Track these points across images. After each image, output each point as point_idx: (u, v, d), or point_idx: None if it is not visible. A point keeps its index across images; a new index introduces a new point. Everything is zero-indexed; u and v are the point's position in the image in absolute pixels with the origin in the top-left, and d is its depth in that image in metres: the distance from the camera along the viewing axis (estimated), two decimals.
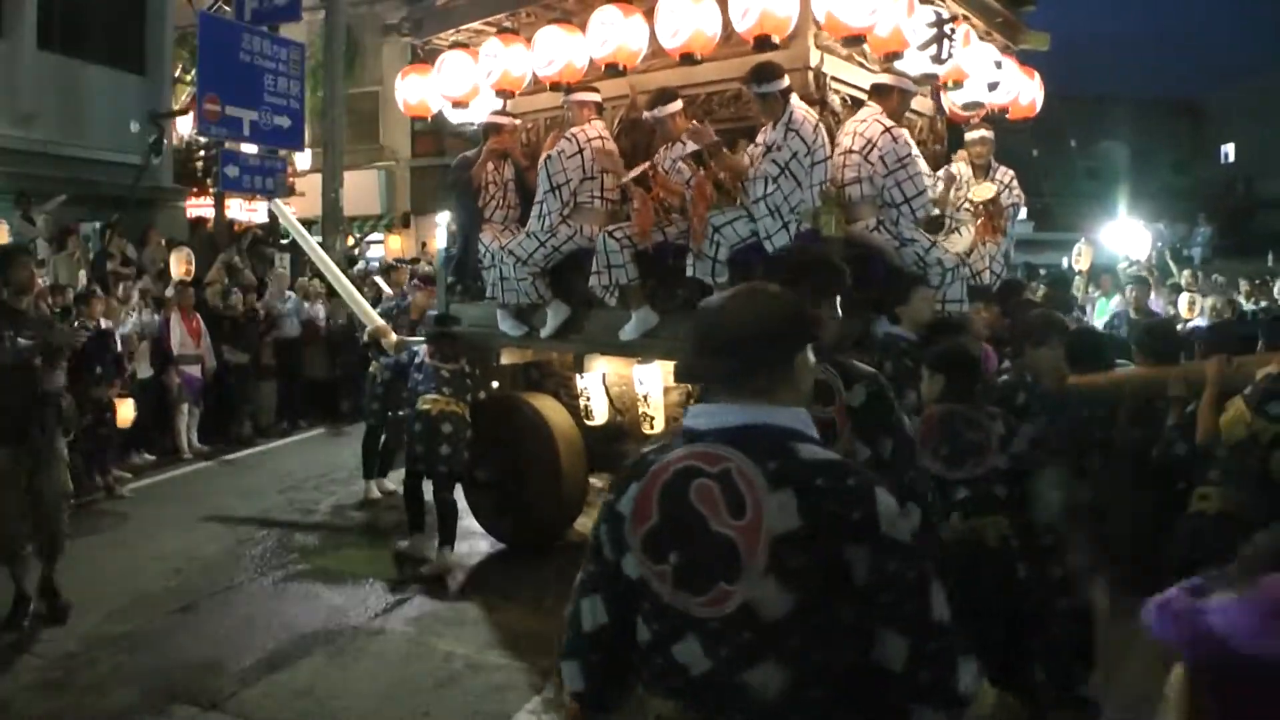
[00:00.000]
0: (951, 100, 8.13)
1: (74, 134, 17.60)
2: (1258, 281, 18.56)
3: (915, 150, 6.80)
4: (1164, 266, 17.27)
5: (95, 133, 18.01)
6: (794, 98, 6.58)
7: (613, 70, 7.26)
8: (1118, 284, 15.31)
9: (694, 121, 7.00)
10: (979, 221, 7.82)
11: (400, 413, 8.80)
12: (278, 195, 19.31)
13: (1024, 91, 8.35)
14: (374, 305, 10.51)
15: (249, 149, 18.58)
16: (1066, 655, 4.98)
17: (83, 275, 12.86)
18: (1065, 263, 21.74)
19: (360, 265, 21.23)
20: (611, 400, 8.34)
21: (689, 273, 7.01)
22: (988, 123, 8.27)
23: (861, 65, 7.42)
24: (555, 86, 7.69)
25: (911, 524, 2.27)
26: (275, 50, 19.11)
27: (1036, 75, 8.56)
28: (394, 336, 8.90)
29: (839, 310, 3.84)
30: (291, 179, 20.54)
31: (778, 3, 6.41)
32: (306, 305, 14.82)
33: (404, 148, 28.31)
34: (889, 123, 6.76)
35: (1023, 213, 33.65)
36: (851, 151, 6.80)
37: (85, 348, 9.42)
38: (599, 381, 8.29)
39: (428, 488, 8.14)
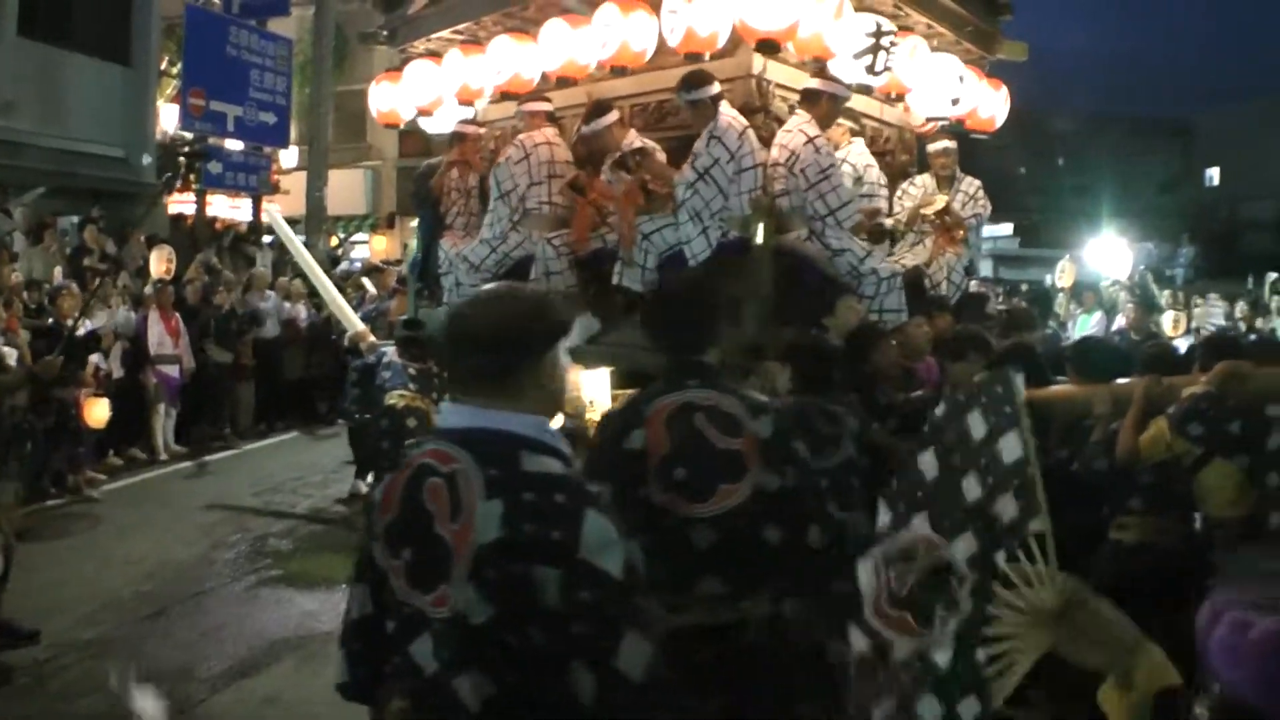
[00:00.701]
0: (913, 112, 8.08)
1: (55, 125, 17.29)
2: (1252, 301, 18.62)
3: (837, 161, 6.76)
4: (1145, 286, 17.32)
5: (77, 124, 17.75)
6: (724, 105, 6.55)
7: (563, 82, 7.30)
8: (1099, 301, 15.41)
9: (632, 130, 7.10)
10: (936, 233, 7.82)
11: (367, 415, 9.01)
12: (261, 192, 19.32)
13: (985, 104, 8.22)
14: (358, 307, 10.90)
15: (233, 145, 18.51)
16: None
17: (59, 271, 12.73)
18: (1049, 279, 21.88)
19: (344, 265, 21.12)
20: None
21: (615, 280, 7.04)
22: (950, 134, 8.18)
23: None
24: (508, 96, 7.72)
25: (619, 559, 2.11)
26: (263, 45, 19.07)
27: (1004, 88, 8.42)
28: (372, 339, 8.99)
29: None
30: (276, 176, 20.50)
31: (703, 20, 6.37)
32: (287, 305, 14.71)
33: (390, 147, 28.15)
34: (814, 132, 6.61)
35: (1007, 228, 33.59)
36: (778, 164, 6.73)
37: (53, 347, 9.39)
38: None
39: None
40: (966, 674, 2.29)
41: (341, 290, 15.85)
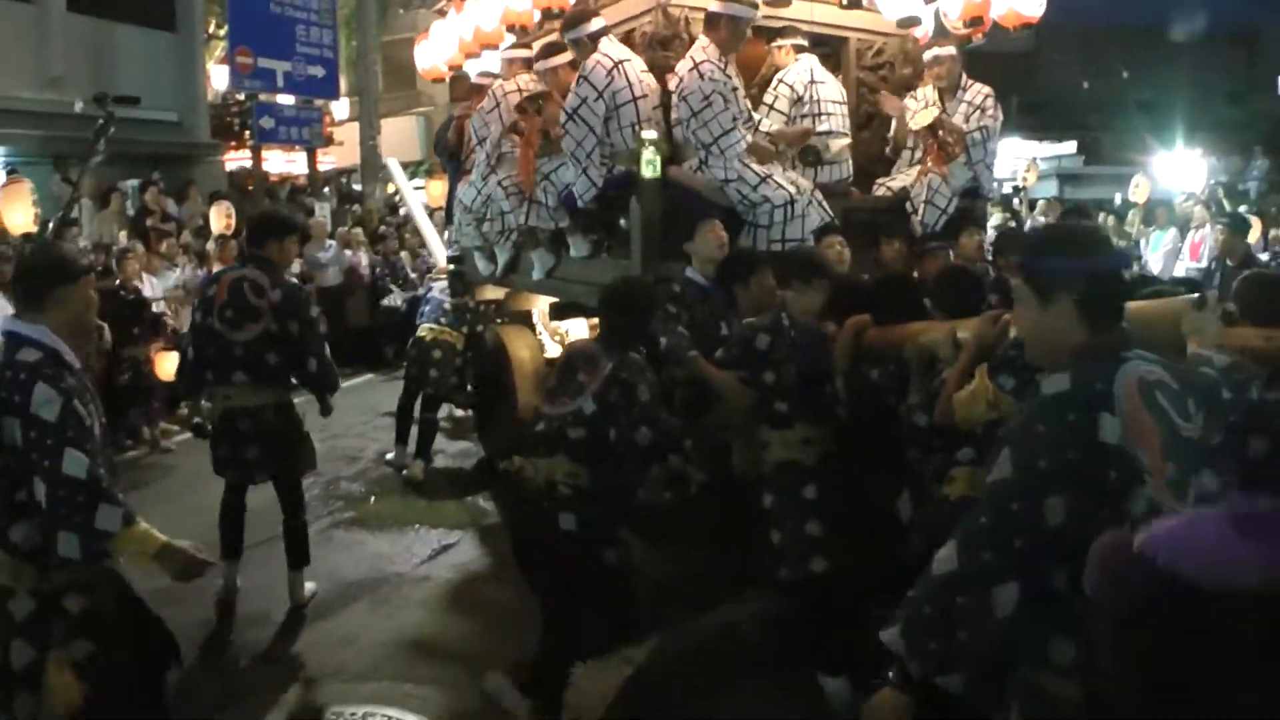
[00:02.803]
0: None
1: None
2: None
3: (723, 87, 6.48)
4: (1218, 201, 16.75)
5: (129, 91, 17.86)
6: (605, 41, 6.72)
7: (549, 14, 7.35)
8: (1172, 218, 14.93)
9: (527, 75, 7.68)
10: (928, 150, 7.48)
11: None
12: (315, 145, 19.34)
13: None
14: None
15: (284, 100, 18.53)
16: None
17: (123, 235, 12.85)
18: (1118, 197, 21.34)
19: (403, 211, 21.16)
20: (561, 338, 8.83)
21: (523, 220, 7.58)
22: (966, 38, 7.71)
23: None
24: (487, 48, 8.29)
25: (54, 408, 3.39)
26: (306, 0, 19.00)
27: None
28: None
29: None
30: (329, 129, 20.45)
31: None
32: (348, 254, 14.79)
33: (441, 94, 27.82)
34: (701, 58, 6.49)
35: (1070, 145, 32.65)
36: (672, 93, 6.69)
37: (122, 309, 9.60)
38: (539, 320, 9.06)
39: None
40: None
41: (400, 235, 16.14)
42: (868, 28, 7.91)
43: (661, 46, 6.95)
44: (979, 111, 7.51)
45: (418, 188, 27.25)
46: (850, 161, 7.55)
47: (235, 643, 5.67)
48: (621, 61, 6.61)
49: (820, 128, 7.25)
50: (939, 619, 2.36)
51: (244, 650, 5.58)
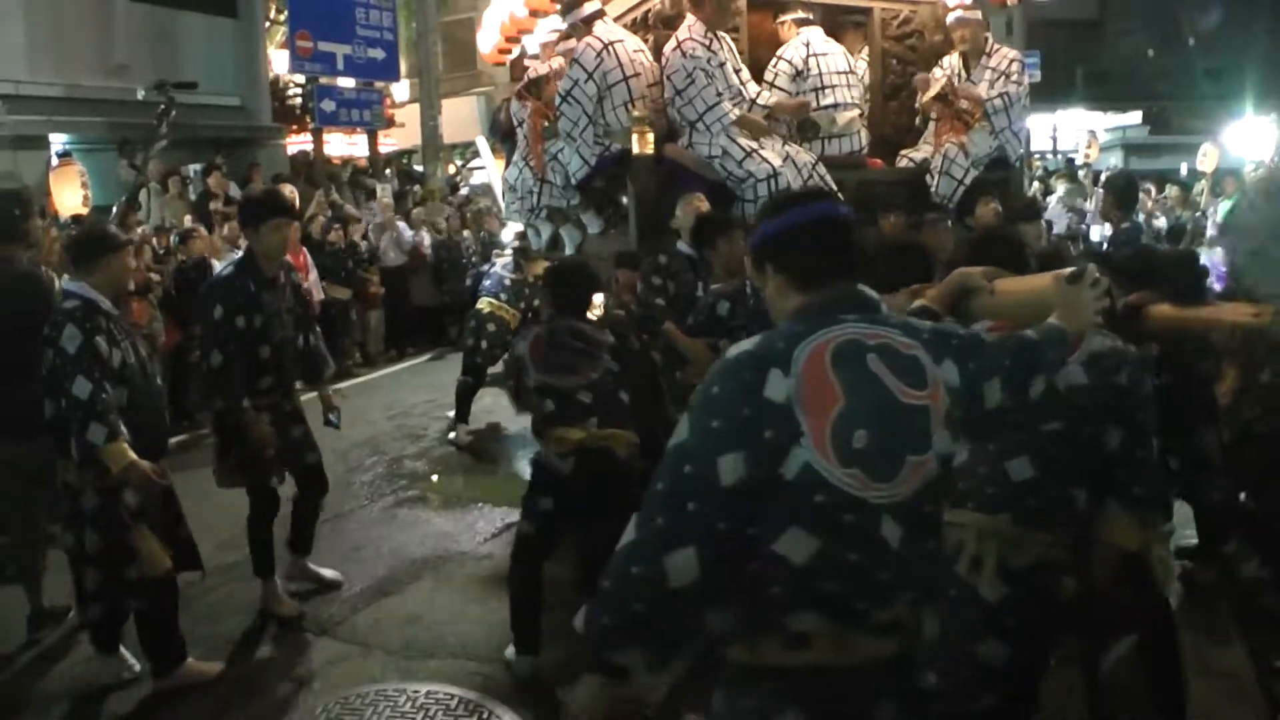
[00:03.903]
0: None
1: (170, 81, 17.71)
2: None
3: (705, 64, 6.65)
4: None
5: (191, 78, 18.09)
6: (600, 24, 6.98)
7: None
8: (1241, 187, 14.60)
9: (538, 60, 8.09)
10: (943, 118, 7.41)
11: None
12: (375, 127, 19.44)
13: None
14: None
15: (345, 83, 18.63)
16: None
17: (188, 218, 12.99)
18: (1184, 168, 20.89)
19: (464, 191, 21.25)
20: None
21: (540, 201, 8.03)
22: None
23: None
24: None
25: (76, 343, 4.58)
26: None
27: None
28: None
29: None
30: (390, 110, 20.55)
31: None
32: (409, 234, 14.88)
33: (501, 73, 27.93)
34: (685, 36, 6.70)
35: (1136, 116, 31.96)
36: (662, 71, 6.91)
37: (189, 288, 9.66)
38: None
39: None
40: None
41: (461, 214, 16.29)
42: None
43: (665, 25, 7.14)
44: (1003, 78, 7.42)
45: (479, 168, 27.54)
46: (862, 133, 7.51)
47: (301, 619, 5.71)
48: (612, 43, 6.87)
49: (824, 101, 7.26)
50: (616, 592, 2.22)
51: (310, 626, 5.61)
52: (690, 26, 6.74)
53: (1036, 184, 18.92)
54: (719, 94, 6.64)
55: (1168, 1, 35.90)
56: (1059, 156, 27.36)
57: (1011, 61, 7.47)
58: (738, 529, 2.20)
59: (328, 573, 6.21)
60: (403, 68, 21.48)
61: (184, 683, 4.94)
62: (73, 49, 16.05)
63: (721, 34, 6.91)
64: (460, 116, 25.72)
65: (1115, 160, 29.87)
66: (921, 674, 2.35)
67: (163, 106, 10.86)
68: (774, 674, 2.26)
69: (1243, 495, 5.61)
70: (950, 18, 7.65)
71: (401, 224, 14.94)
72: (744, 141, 6.68)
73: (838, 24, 7.92)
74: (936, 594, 2.40)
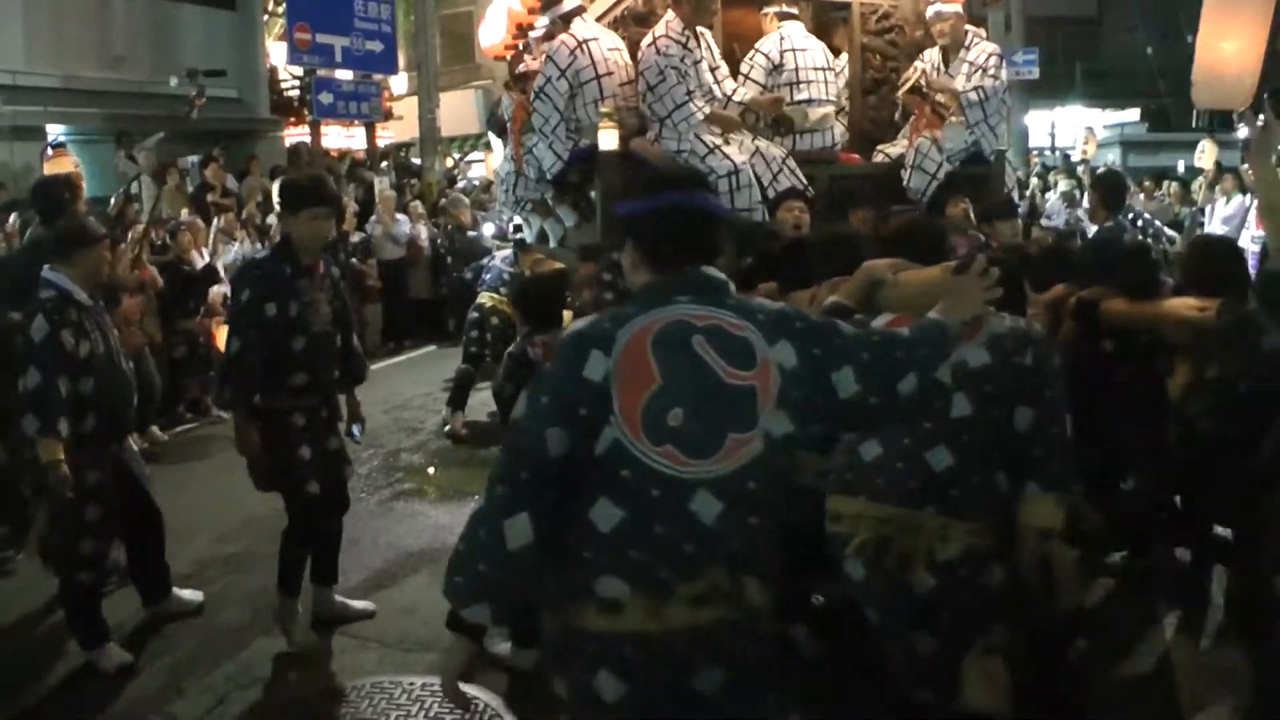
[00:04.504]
0: None
1: (168, 73, 17.69)
2: None
3: (676, 61, 6.74)
4: None
5: (189, 70, 18.10)
6: (577, 22, 7.15)
7: None
8: (1241, 185, 14.58)
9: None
10: (916, 112, 7.46)
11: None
12: (373, 120, 19.40)
13: None
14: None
15: (343, 75, 18.59)
16: None
17: (185, 211, 12.96)
18: (1180, 164, 20.85)
19: (461, 184, 21.20)
20: None
21: (516, 192, 8.37)
22: None
23: None
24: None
25: (41, 334, 4.87)
26: None
27: None
28: None
29: None
30: (388, 103, 20.50)
31: None
32: (407, 228, 14.86)
33: (500, 66, 27.95)
34: (660, 33, 6.81)
35: (1134, 113, 31.76)
36: (637, 66, 7.03)
37: (177, 283, 9.89)
38: None
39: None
40: None
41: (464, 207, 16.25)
42: None
43: (638, 23, 7.30)
44: (981, 71, 7.37)
45: (477, 160, 27.53)
46: (836, 129, 7.54)
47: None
48: (586, 40, 7.03)
49: (799, 96, 7.29)
50: (466, 554, 2.44)
51: (304, 618, 5.62)
52: (668, 23, 6.83)
53: (1036, 180, 18.92)
54: (689, 93, 6.75)
55: None
56: (1057, 153, 27.32)
57: (990, 55, 7.43)
58: (566, 498, 2.41)
59: (358, 604, 5.77)
60: (401, 61, 21.43)
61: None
62: (71, 40, 16.06)
63: (701, 30, 7.01)
64: (458, 110, 25.70)
65: (1113, 157, 29.81)
66: (758, 644, 2.48)
67: (194, 93, 10.99)
68: (591, 639, 2.42)
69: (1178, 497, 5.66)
70: (929, 11, 7.65)
71: (401, 217, 14.90)
72: (709, 138, 6.81)
73: (829, 20, 8.05)
74: (761, 567, 2.48)
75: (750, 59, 7.43)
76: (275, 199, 12.68)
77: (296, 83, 20.62)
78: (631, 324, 2.42)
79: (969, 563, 3.27)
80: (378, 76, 19.59)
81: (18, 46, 15.16)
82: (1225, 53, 6.55)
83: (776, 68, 7.31)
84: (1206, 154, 14.83)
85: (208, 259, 10.73)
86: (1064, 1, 30.06)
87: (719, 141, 6.82)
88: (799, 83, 7.28)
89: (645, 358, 2.37)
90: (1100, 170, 16.96)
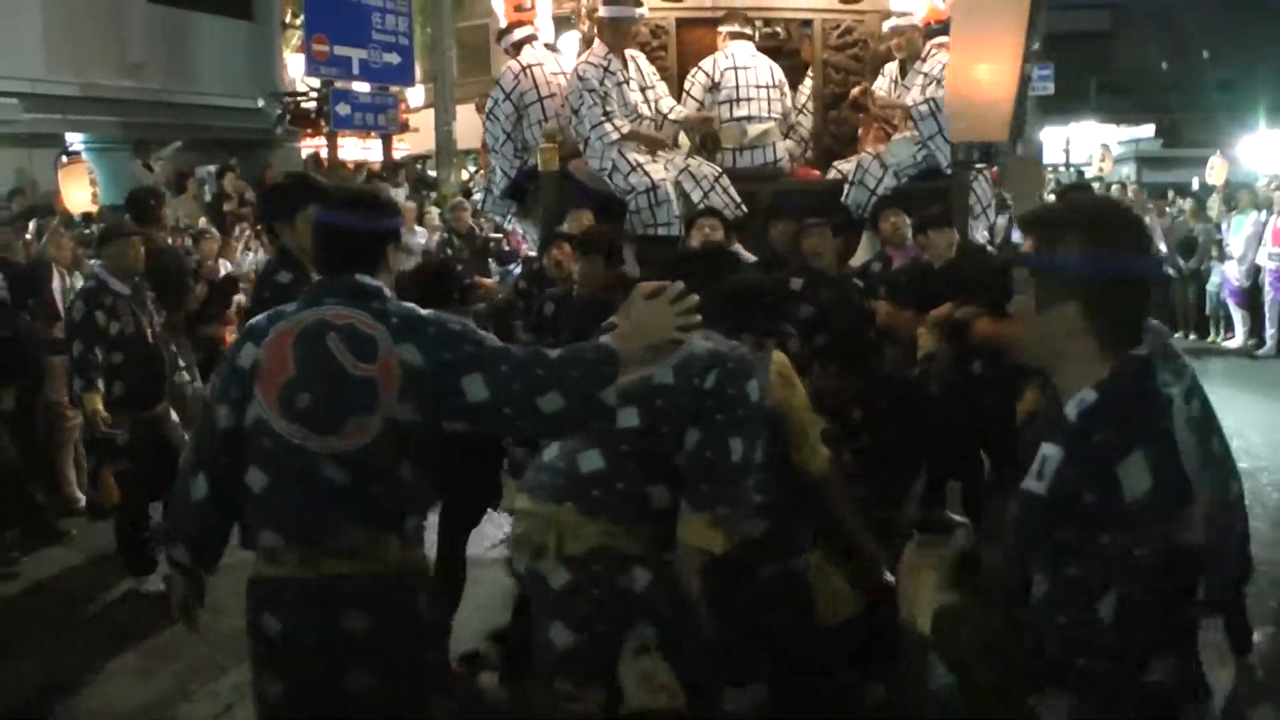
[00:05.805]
0: None
1: (186, 82, 17.87)
2: None
3: (593, 84, 7.00)
4: None
5: (206, 80, 18.26)
6: (527, 49, 7.68)
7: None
8: (1256, 200, 14.56)
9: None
10: (865, 126, 7.60)
11: None
12: (391, 132, 19.50)
13: None
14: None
15: (360, 87, 18.68)
16: None
17: (203, 220, 13.05)
18: (1195, 181, 20.85)
19: (476, 196, 21.24)
20: None
21: (484, 207, 9.09)
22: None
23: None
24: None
25: (79, 314, 6.15)
26: None
27: None
28: None
29: None
30: (404, 115, 20.58)
31: None
32: (423, 239, 14.92)
33: None
34: (583, 59, 7.19)
35: (1149, 129, 31.79)
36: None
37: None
38: None
39: None
40: None
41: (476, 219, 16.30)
42: (828, 8, 8.00)
43: (587, 46, 7.56)
44: (935, 83, 7.19)
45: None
46: (778, 145, 7.58)
47: None
48: (530, 65, 7.59)
49: (738, 113, 7.40)
50: (170, 503, 3.24)
51: None
52: (593, 49, 7.15)
53: (1052, 197, 18.90)
54: (605, 113, 7.01)
55: (1180, 14, 35.88)
56: (1071, 169, 27.33)
57: (944, 67, 7.09)
58: (235, 463, 2.90)
59: None
60: (418, 73, 21.52)
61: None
62: (89, 48, 16.15)
63: (631, 54, 7.28)
64: (474, 122, 25.67)
65: (1128, 172, 29.90)
66: (402, 595, 2.91)
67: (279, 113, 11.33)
68: (262, 583, 2.89)
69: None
70: (887, 25, 7.67)
71: (419, 229, 14.94)
72: (632, 156, 7.04)
73: (800, 35, 8.19)
74: (398, 528, 2.90)
75: (692, 76, 7.64)
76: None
77: (314, 95, 20.69)
78: (284, 321, 2.89)
79: (604, 561, 3.31)
80: (395, 88, 19.70)
81: (36, 55, 15.24)
82: (977, 79, 6.46)
83: (715, 85, 7.47)
84: (1216, 170, 14.83)
85: (230, 267, 10.76)
86: (1078, 17, 30.06)
87: (642, 159, 7.07)
88: (738, 100, 7.41)
89: (285, 351, 2.83)
90: (1115, 186, 17.04)
